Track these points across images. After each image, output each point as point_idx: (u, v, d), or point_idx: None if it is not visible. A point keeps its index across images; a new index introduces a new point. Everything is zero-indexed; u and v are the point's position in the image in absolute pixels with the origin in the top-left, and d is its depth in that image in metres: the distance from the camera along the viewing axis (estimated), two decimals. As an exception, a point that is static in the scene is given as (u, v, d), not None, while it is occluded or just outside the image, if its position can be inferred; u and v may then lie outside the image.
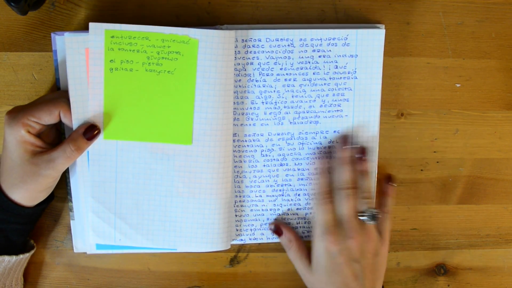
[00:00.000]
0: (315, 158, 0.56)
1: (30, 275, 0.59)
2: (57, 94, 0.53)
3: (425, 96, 0.58)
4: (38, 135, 0.50)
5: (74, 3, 0.55)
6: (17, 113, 0.49)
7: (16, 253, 0.53)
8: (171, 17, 0.55)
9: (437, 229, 0.61)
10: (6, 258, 0.52)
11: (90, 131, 0.51)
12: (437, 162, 0.59)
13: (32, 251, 0.55)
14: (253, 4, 0.55)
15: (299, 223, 0.58)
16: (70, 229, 0.59)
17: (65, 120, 0.51)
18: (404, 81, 0.57)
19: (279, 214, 0.58)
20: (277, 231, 0.57)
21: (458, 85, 0.58)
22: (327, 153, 0.56)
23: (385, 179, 0.58)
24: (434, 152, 0.59)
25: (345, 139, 0.56)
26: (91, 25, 0.50)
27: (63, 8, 0.55)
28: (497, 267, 0.61)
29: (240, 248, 0.60)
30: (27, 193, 0.50)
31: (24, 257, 0.54)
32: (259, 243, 0.60)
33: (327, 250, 0.53)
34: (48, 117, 0.50)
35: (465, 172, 0.59)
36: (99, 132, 0.52)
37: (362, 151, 0.55)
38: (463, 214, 0.61)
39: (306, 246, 0.56)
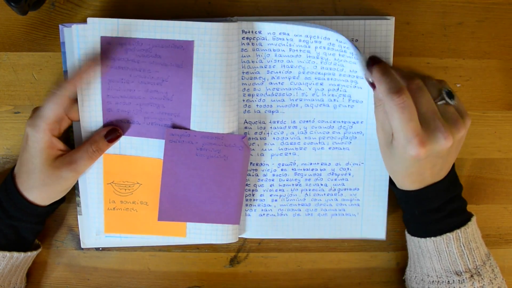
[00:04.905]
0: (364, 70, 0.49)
1: (31, 275, 0.60)
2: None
3: (425, 96, 0.58)
4: (60, 137, 0.52)
5: (74, 3, 0.55)
6: (37, 119, 0.50)
7: (24, 250, 0.54)
8: (171, 17, 0.55)
9: (437, 229, 0.61)
10: (15, 254, 0.53)
11: (112, 133, 0.52)
12: (437, 162, 0.59)
13: (39, 250, 0.56)
14: (253, 4, 0.55)
15: None
16: (70, 229, 0.59)
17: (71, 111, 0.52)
18: (404, 81, 0.57)
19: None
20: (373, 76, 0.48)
21: (458, 85, 0.58)
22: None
23: (371, 62, 0.49)
24: (434, 152, 0.59)
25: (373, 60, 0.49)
26: (90, 20, 0.50)
27: (63, 8, 0.55)
28: (497, 267, 0.61)
29: (240, 248, 0.60)
30: (45, 194, 0.52)
31: (31, 255, 0.55)
32: (260, 242, 0.60)
33: (415, 158, 0.47)
34: (59, 109, 0.50)
35: (465, 172, 0.59)
36: (120, 135, 0.53)
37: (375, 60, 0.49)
38: (463, 214, 0.61)
39: None
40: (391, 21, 0.54)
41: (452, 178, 0.52)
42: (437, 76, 0.57)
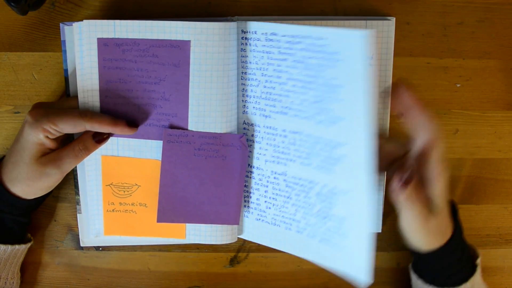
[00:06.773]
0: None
1: (30, 275, 0.60)
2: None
3: (425, 96, 0.58)
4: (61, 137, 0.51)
5: (74, 3, 0.55)
6: (40, 117, 0.49)
7: (12, 243, 0.53)
8: (171, 17, 0.55)
9: (437, 229, 0.61)
10: (2, 247, 0.52)
11: (100, 134, 0.52)
12: (437, 162, 0.59)
13: (29, 244, 0.56)
14: (254, 4, 0.55)
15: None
16: (70, 229, 0.59)
17: (92, 128, 0.51)
18: (404, 81, 0.58)
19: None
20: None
21: (458, 85, 0.58)
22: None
23: (398, 88, 0.48)
24: (434, 152, 0.59)
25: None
26: (85, 22, 0.51)
27: (63, 8, 0.55)
28: (497, 267, 0.61)
29: (240, 248, 0.60)
30: (28, 188, 0.51)
31: (21, 249, 0.54)
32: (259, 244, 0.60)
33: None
34: (71, 129, 0.50)
35: (465, 172, 0.59)
36: (108, 137, 0.53)
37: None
38: (463, 214, 0.60)
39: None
40: (392, 21, 0.54)
41: (458, 224, 0.53)
42: (437, 76, 0.57)
